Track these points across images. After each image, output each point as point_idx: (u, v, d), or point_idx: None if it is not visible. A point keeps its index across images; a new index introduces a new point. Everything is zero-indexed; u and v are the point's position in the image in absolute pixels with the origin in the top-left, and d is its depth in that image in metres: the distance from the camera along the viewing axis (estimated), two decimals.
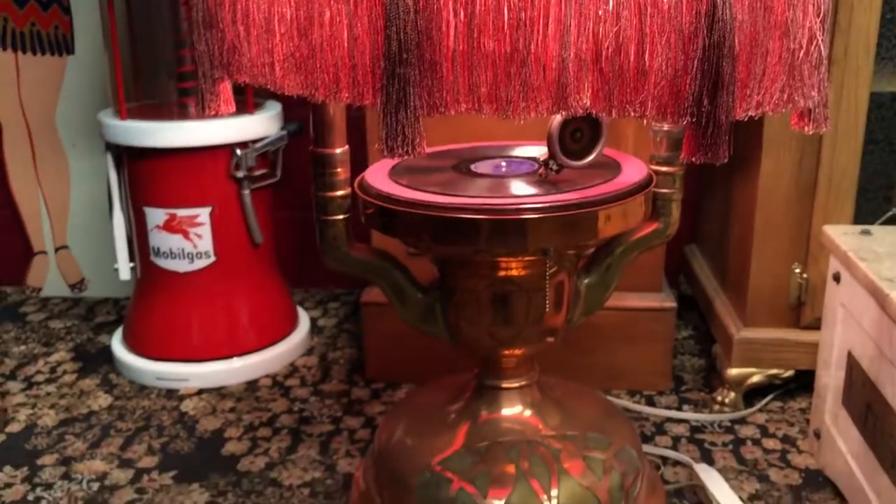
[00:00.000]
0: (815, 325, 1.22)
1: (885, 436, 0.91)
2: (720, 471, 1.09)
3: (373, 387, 1.36)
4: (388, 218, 0.83)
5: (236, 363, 1.39)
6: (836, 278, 1.06)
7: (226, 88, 0.74)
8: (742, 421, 1.24)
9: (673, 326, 1.31)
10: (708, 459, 1.14)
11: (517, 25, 0.59)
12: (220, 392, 1.36)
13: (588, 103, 0.60)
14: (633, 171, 0.87)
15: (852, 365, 1.01)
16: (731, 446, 1.18)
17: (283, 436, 1.22)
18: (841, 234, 1.07)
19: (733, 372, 1.27)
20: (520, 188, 0.83)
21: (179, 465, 1.16)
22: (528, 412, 0.94)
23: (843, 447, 1.04)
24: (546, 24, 0.59)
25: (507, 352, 0.93)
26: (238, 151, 1.32)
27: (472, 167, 0.90)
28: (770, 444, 1.18)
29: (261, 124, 1.35)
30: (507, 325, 0.89)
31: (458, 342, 0.92)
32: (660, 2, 0.59)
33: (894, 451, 0.89)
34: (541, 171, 0.83)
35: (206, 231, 1.35)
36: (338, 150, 0.83)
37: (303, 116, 1.51)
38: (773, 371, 1.26)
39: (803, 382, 1.28)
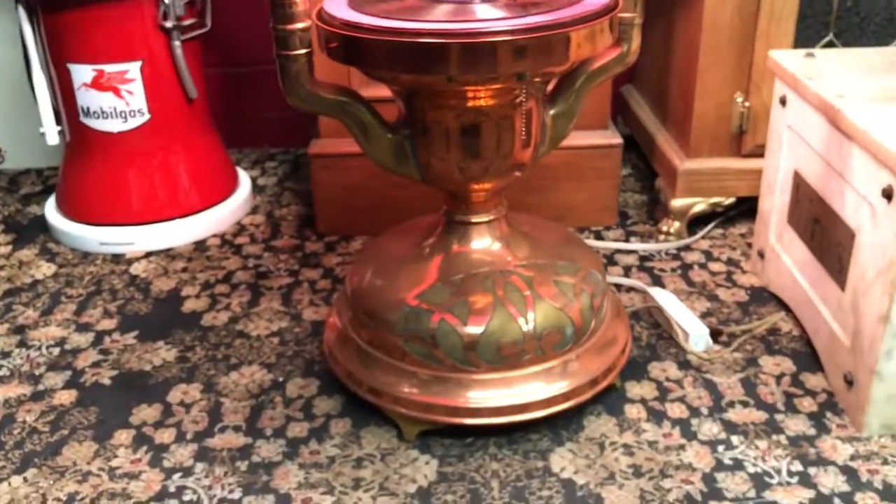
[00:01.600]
0: (756, 153, 1.26)
1: (832, 244, 0.97)
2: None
3: (326, 240, 1.35)
4: (353, 48, 0.81)
5: (181, 224, 1.36)
6: (783, 101, 1.09)
7: None
8: (687, 248, 1.30)
9: (619, 162, 1.33)
10: (658, 284, 1.20)
11: None
12: (168, 254, 1.33)
13: None
14: None
15: (798, 184, 1.06)
16: (679, 271, 1.23)
17: (242, 291, 1.22)
18: (787, 58, 1.09)
19: (677, 202, 1.31)
20: (487, 12, 0.81)
21: (140, 325, 1.14)
22: (498, 244, 0.96)
23: (788, 262, 1.10)
24: None
25: (476, 186, 0.93)
26: None
27: None
28: (715, 267, 1.24)
29: None
30: (477, 158, 0.89)
31: (428, 179, 0.92)
32: None
33: (841, 258, 0.95)
34: None
35: (137, 87, 1.28)
36: None
37: None
38: (716, 199, 1.31)
39: (742, 209, 1.34)
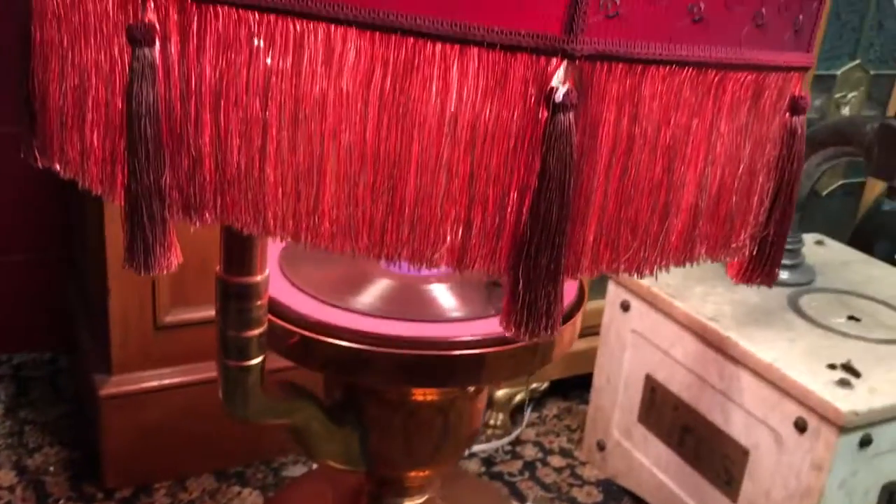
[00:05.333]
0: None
1: (716, 456, 1.02)
2: (535, 501, 1.11)
3: (118, 496, 1.08)
4: (316, 352, 0.66)
5: None
6: (625, 307, 1.14)
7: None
8: (518, 441, 1.28)
9: None
10: (516, 493, 1.16)
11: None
12: None
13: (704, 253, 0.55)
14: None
15: (654, 388, 1.11)
16: (527, 473, 1.21)
17: None
18: None
19: (501, 393, 1.30)
20: (456, 305, 0.71)
21: None
22: None
23: (646, 461, 1.14)
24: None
25: (415, 474, 0.81)
26: None
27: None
28: (555, 461, 1.24)
29: None
30: (428, 446, 0.78)
31: (371, 468, 0.78)
32: None
33: (729, 471, 1.00)
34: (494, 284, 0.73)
35: None
36: (259, 277, 0.62)
37: None
38: (534, 385, 1.33)
39: (547, 391, 1.37)
